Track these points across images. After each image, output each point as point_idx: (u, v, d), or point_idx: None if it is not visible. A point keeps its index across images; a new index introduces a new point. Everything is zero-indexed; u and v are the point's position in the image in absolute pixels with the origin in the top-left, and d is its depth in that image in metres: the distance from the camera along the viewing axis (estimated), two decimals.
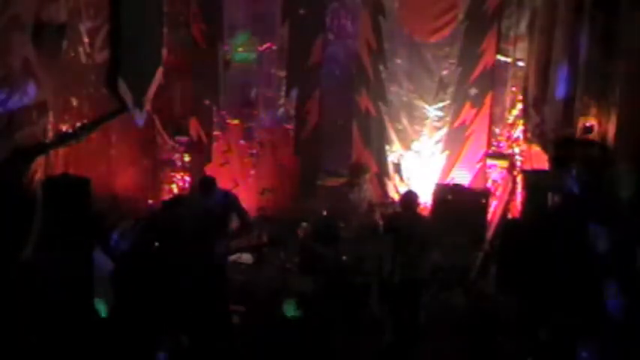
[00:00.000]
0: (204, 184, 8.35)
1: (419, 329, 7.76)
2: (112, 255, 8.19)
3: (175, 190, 11.24)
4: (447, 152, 11.33)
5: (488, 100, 11.23)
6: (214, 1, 11.14)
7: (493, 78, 11.21)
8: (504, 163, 11.23)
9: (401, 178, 11.41)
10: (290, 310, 7.91)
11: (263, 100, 11.37)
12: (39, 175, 8.26)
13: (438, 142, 11.36)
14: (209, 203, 8.09)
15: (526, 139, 11.00)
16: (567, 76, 10.17)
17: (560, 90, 10.28)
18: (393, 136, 11.42)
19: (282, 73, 11.36)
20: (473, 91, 11.23)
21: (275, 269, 9.62)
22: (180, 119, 11.29)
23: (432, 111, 11.34)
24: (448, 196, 10.55)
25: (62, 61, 8.84)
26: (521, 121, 11.14)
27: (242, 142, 11.39)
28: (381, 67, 11.32)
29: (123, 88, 9.69)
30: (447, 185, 10.94)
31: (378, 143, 11.45)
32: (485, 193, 10.76)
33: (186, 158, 11.32)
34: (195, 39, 11.13)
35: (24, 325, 6.55)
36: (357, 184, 10.72)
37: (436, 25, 11.21)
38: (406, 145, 11.41)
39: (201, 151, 11.32)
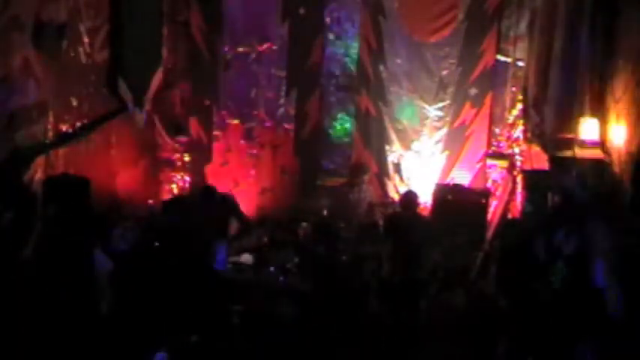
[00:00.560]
0: (206, 194, 8.36)
1: (419, 329, 7.75)
2: (112, 255, 8.18)
3: (175, 190, 11.24)
4: (447, 152, 11.33)
5: (488, 100, 11.22)
6: (214, 1, 11.13)
7: (493, 78, 11.20)
8: (504, 163, 11.23)
9: (401, 178, 11.41)
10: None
11: (263, 100, 11.37)
12: (39, 175, 8.27)
13: (438, 142, 11.36)
14: (208, 206, 8.10)
15: (526, 139, 10.99)
16: (567, 76, 10.17)
17: (560, 90, 10.29)
18: (393, 136, 11.41)
19: (282, 73, 11.35)
20: (473, 91, 11.23)
21: (275, 269, 9.60)
22: (180, 119, 11.29)
23: (432, 111, 11.34)
24: (448, 196, 10.55)
25: (62, 61, 8.85)
26: (521, 121, 11.14)
27: (242, 142, 11.39)
28: (381, 67, 11.32)
29: (123, 88, 9.70)
30: (447, 185, 10.94)
31: (378, 143, 11.44)
32: (486, 193, 10.76)
33: (186, 158, 11.32)
34: (195, 39, 11.13)
35: (24, 325, 6.54)
36: (357, 184, 10.72)
37: (436, 25, 11.21)
38: (406, 145, 11.41)
39: (201, 151, 11.32)
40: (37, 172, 8.39)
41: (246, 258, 10.08)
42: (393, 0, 11.24)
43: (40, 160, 8.52)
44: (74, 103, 9.30)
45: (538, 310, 7.18)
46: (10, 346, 6.39)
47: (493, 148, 11.35)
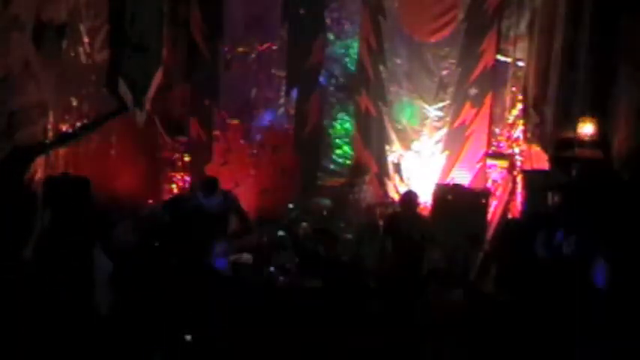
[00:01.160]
0: (207, 185, 8.35)
1: (418, 329, 7.75)
2: (112, 255, 8.18)
3: (175, 190, 11.23)
4: (447, 152, 11.32)
5: (488, 100, 11.21)
6: (214, 1, 11.13)
7: (493, 78, 11.19)
8: (504, 163, 11.22)
9: (401, 178, 11.40)
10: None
11: (263, 100, 11.37)
12: (39, 175, 8.27)
13: (438, 142, 11.35)
14: (209, 204, 8.09)
15: (526, 139, 10.99)
16: (567, 76, 10.18)
17: (560, 90, 10.30)
18: (393, 136, 11.41)
19: (282, 73, 11.35)
20: (473, 91, 11.22)
21: (275, 269, 9.60)
22: (180, 119, 11.29)
23: (432, 111, 11.34)
24: (448, 196, 10.54)
25: (62, 61, 8.86)
26: (521, 121, 11.13)
27: (242, 142, 11.39)
28: (381, 67, 11.32)
29: (123, 88, 9.70)
30: (447, 185, 10.93)
31: (378, 143, 11.44)
32: (486, 193, 10.76)
33: (186, 158, 11.31)
34: (195, 39, 11.13)
35: (24, 325, 6.54)
36: (357, 184, 10.72)
37: (436, 25, 11.21)
38: (406, 145, 11.40)
39: (201, 151, 11.31)
40: (37, 172, 8.40)
41: (246, 258, 10.08)
42: (393, 0, 11.24)
43: (40, 160, 8.52)
44: (74, 103, 9.30)
45: (538, 309, 7.18)
46: (10, 347, 6.39)
47: (493, 148, 11.34)
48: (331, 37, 11.46)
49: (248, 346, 7.22)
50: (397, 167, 11.43)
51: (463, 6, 11.13)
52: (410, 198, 9.41)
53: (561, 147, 9.92)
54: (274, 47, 11.31)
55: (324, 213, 10.94)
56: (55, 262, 6.88)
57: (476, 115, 11.25)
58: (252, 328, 7.49)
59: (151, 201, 10.82)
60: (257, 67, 11.33)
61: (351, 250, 9.51)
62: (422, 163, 11.38)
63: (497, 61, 11.17)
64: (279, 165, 11.42)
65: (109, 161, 10.03)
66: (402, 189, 10.84)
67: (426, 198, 10.61)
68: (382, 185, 11.40)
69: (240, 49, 11.29)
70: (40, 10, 8.26)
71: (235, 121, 11.37)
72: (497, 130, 11.33)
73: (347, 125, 11.56)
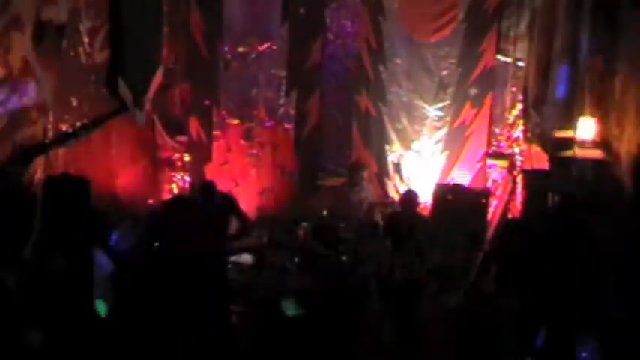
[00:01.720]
0: (205, 190, 8.35)
1: (418, 329, 7.75)
2: (112, 255, 8.18)
3: (175, 190, 11.24)
4: (447, 152, 11.32)
5: (488, 100, 11.22)
6: (214, 1, 11.13)
7: (493, 78, 11.19)
8: (504, 163, 11.22)
9: (401, 178, 11.40)
10: (290, 308, 7.91)
11: (263, 100, 11.37)
12: (39, 175, 8.27)
13: (438, 142, 11.35)
14: (208, 205, 8.09)
15: (526, 139, 10.99)
16: (567, 76, 10.17)
17: (560, 90, 10.29)
18: (393, 136, 11.41)
19: (282, 73, 11.35)
20: (473, 91, 11.22)
21: (275, 269, 9.59)
22: (180, 119, 11.29)
23: (432, 111, 11.34)
24: (448, 196, 10.54)
25: (62, 61, 8.86)
26: (521, 121, 11.13)
27: (242, 142, 11.39)
28: (381, 67, 11.32)
29: (123, 88, 9.70)
30: (447, 185, 10.92)
31: (378, 143, 11.44)
32: (486, 193, 10.75)
33: (186, 158, 11.31)
34: (195, 39, 11.13)
35: (24, 325, 6.54)
36: (357, 184, 10.71)
37: (436, 25, 11.21)
38: (406, 145, 11.40)
39: (201, 151, 11.32)
40: (37, 172, 8.40)
41: (246, 258, 10.08)
42: (393, 0, 11.24)
43: (40, 160, 8.52)
44: (74, 103, 9.30)
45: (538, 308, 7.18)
46: (9, 347, 6.39)
47: (493, 148, 11.34)
48: (331, 37, 11.46)
49: (248, 345, 7.23)
50: (397, 167, 11.44)
51: (463, 6, 11.13)
52: (410, 198, 9.39)
53: (561, 147, 9.91)
54: (274, 47, 11.31)
55: (324, 213, 10.93)
56: (55, 262, 6.88)
57: (476, 115, 11.25)
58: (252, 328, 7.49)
59: (151, 201, 10.83)
60: (257, 67, 11.33)
61: (351, 250, 9.50)
62: (422, 163, 11.38)
63: (498, 61, 11.17)
64: (279, 165, 11.42)
65: (109, 161, 10.03)
66: (402, 189, 10.84)
67: (426, 198, 10.61)
68: (382, 185, 11.41)
69: (240, 49, 11.29)
70: (40, 10, 8.26)
71: (235, 121, 11.37)
72: (497, 130, 11.33)
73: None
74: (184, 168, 11.31)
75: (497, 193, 11.07)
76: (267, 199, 11.20)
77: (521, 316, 7.29)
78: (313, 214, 10.79)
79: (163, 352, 6.77)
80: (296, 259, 9.79)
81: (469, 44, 11.14)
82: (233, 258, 9.53)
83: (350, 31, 11.47)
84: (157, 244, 8.28)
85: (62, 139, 8.93)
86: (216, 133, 11.35)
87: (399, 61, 11.32)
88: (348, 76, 11.54)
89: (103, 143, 9.82)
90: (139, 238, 8.55)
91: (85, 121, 9.39)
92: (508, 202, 10.78)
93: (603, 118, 9.62)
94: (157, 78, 10.61)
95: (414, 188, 10.22)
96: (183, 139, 11.28)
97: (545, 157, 10.18)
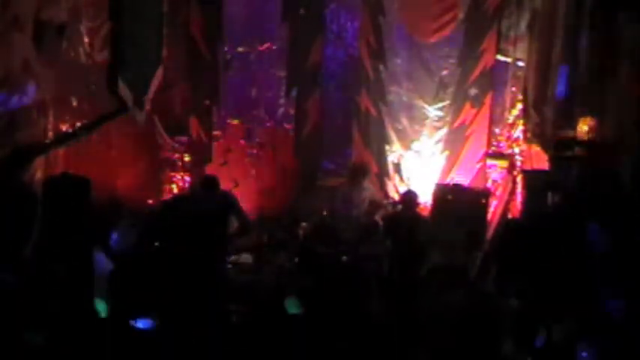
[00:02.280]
0: (207, 183, 8.35)
1: (418, 329, 7.75)
2: (112, 255, 8.18)
3: (175, 190, 11.24)
4: (447, 152, 11.33)
5: (488, 100, 11.22)
6: (214, 1, 11.13)
7: (493, 78, 11.20)
8: (504, 163, 11.23)
9: (401, 178, 11.41)
10: (292, 306, 7.91)
11: (263, 100, 11.37)
12: (39, 175, 8.27)
13: (438, 142, 11.36)
14: (209, 204, 8.09)
15: (526, 139, 11.00)
16: (567, 76, 10.18)
17: (560, 90, 10.30)
18: (393, 136, 11.41)
19: (282, 73, 11.36)
20: (473, 91, 11.22)
21: (275, 269, 9.59)
22: (180, 119, 11.30)
23: (432, 111, 11.34)
24: (448, 196, 10.54)
25: (62, 61, 8.86)
26: (521, 121, 11.14)
27: (242, 142, 11.40)
28: (381, 67, 11.32)
29: (123, 88, 9.70)
30: (447, 185, 10.93)
31: (378, 143, 11.44)
32: (486, 193, 10.76)
33: (186, 158, 11.32)
34: (195, 39, 11.13)
35: (24, 325, 6.55)
36: (357, 184, 10.72)
37: (436, 25, 11.21)
38: (406, 145, 11.41)
39: (201, 151, 11.32)
40: (37, 172, 8.39)
41: (246, 258, 10.08)
42: (393, 0, 11.24)
43: (40, 160, 8.52)
44: (74, 103, 9.30)
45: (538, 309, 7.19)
46: (9, 347, 6.39)
47: (493, 148, 11.35)
48: (331, 37, 11.47)
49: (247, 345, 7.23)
50: (397, 167, 11.44)
51: (463, 6, 11.13)
52: (410, 198, 9.41)
53: (561, 147, 9.91)
54: (274, 47, 11.31)
55: (324, 213, 10.94)
56: (55, 262, 6.88)
57: (476, 115, 11.25)
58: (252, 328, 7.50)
59: (150, 201, 10.83)
60: (257, 67, 11.34)
61: (351, 250, 9.50)
62: (422, 163, 11.39)
63: (497, 61, 11.18)
64: (279, 165, 11.43)
65: (109, 161, 10.03)
66: (402, 189, 10.84)
67: (426, 198, 10.62)
68: (382, 185, 11.41)
69: (240, 49, 11.29)
70: (40, 10, 8.25)
71: (235, 121, 11.38)
72: (497, 130, 11.34)
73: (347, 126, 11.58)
74: (184, 168, 11.32)
75: (497, 193, 11.08)
76: (267, 199, 11.20)
77: (521, 316, 7.29)
78: (313, 214, 10.81)
79: (163, 352, 6.77)
80: (296, 259, 9.80)
81: (469, 44, 11.14)
82: (233, 258, 9.54)
83: (350, 31, 11.48)
84: (157, 243, 8.28)
85: (62, 139, 8.92)
86: (216, 133, 11.36)
87: (399, 61, 11.33)
88: (348, 76, 11.55)
89: (103, 143, 9.82)
90: (139, 238, 8.55)
91: (85, 121, 9.38)
92: (508, 202, 10.78)
93: (603, 118, 9.62)
94: (157, 78, 10.62)
95: (414, 188, 10.23)
96: (183, 139, 11.28)
97: (545, 157, 10.18)
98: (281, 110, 11.43)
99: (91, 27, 9.36)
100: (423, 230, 8.94)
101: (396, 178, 11.43)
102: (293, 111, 11.44)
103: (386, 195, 11.36)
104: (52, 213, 7.22)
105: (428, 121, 11.37)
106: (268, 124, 11.41)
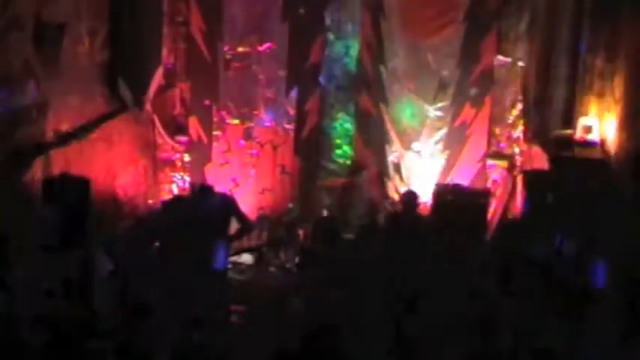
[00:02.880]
0: (202, 193, 8.37)
1: (418, 329, 7.75)
2: (112, 255, 8.19)
3: (175, 190, 11.24)
4: (447, 152, 11.32)
5: (488, 100, 11.21)
6: (214, 1, 11.13)
7: (493, 78, 11.19)
8: (504, 163, 11.22)
9: (401, 178, 11.40)
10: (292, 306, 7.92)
11: (263, 100, 11.37)
12: (39, 175, 8.27)
13: (438, 142, 11.35)
14: (207, 207, 8.09)
15: (526, 139, 10.99)
16: (567, 77, 10.19)
17: (560, 90, 10.31)
18: (393, 136, 11.41)
19: (282, 73, 11.35)
20: (473, 91, 11.21)
21: (275, 269, 9.61)
22: (181, 119, 11.29)
23: (432, 111, 11.33)
24: (448, 196, 10.55)
25: (62, 61, 8.86)
26: (521, 121, 11.14)
27: (242, 142, 11.39)
28: (381, 67, 11.32)
29: (123, 88, 9.71)
30: (447, 185, 10.93)
31: (378, 143, 11.43)
32: (486, 193, 10.75)
33: (186, 158, 11.31)
34: (195, 39, 11.13)
35: (23, 325, 6.55)
36: (357, 184, 10.73)
37: (436, 25, 11.19)
38: (406, 145, 11.40)
39: (201, 151, 11.32)
40: (37, 172, 8.40)
41: (246, 258, 10.09)
42: (393, 0, 11.23)
43: (40, 160, 8.52)
44: (74, 103, 9.30)
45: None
46: (9, 348, 6.39)
47: (493, 148, 11.34)
48: (331, 37, 11.46)
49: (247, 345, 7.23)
50: (397, 167, 11.43)
51: (463, 6, 11.12)
52: (410, 198, 9.40)
53: (561, 147, 9.92)
54: (274, 47, 11.30)
55: (324, 213, 10.95)
56: (55, 262, 6.88)
57: (476, 115, 11.23)
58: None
59: (150, 201, 10.83)
60: (257, 67, 11.33)
61: (351, 250, 9.50)
62: (422, 163, 11.38)
63: (498, 61, 11.17)
64: (279, 165, 11.42)
65: (109, 161, 10.03)
66: (402, 189, 10.84)
67: (426, 198, 10.61)
68: (382, 185, 11.40)
69: (240, 49, 11.28)
70: (40, 10, 8.26)
71: (235, 121, 11.37)
72: (497, 130, 11.33)
73: (347, 125, 11.57)
74: (184, 168, 11.31)
75: (497, 193, 11.07)
76: (267, 199, 11.20)
77: (521, 316, 7.30)
78: (313, 214, 10.80)
79: (163, 351, 6.77)
80: (296, 259, 9.81)
81: (469, 44, 11.13)
82: (233, 258, 9.53)
83: (350, 31, 11.47)
84: (156, 244, 8.28)
85: (62, 139, 8.93)
86: (216, 133, 11.35)
87: (399, 61, 11.31)
88: (348, 76, 11.54)
89: (103, 143, 9.81)
90: (139, 238, 8.55)
91: (85, 121, 9.38)
92: (508, 202, 10.78)
93: (603, 118, 9.63)
94: (157, 78, 10.62)
95: (414, 188, 10.22)
96: (183, 139, 11.28)
97: (545, 157, 10.18)
98: (281, 110, 11.42)
99: (91, 27, 9.36)
100: (423, 230, 8.91)
101: (396, 178, 11.42)
102: (293, 111, 11.43)
103: (386, 195, 11.35)
104: (51, 213, 7.23)
105: (428, 121, 11.36)
106: (268, 124, 11.40)
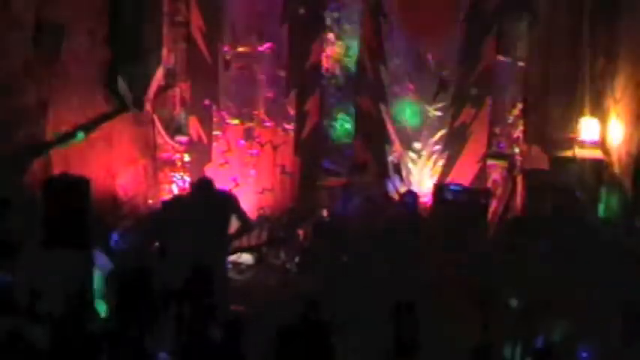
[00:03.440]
0: (202, 188, 8.35)
1: (419, 330, 7.75)
2: (112, 255, 8.19)
3: (175, 190, 11.24)
4: (447, 152, 11.31)
5: (488, 100, 11.21)
6: (214, 1, 11.13)
7: (493, 78, 11.19)
8: (504, 163, 11.22)
9: (401, 178, 11.40)
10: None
11: (263, 100, 11.36)
12: (39, 175, 8.28)
13: (438, 142, 11.34)
14: (208, 205, 8.09)
15: (526, 139, 10.99)
16: (567, 77, 10.20)
17: (560, 90, 10.32)
18: (393, 136, 11.40)
19: (282, 73, 11.34)
20: (473, 91, 11.21)
21: (275, 269, 9.61)
22: (180, 119, 11.30)
23: (432, 111, 11.33)
24: (448, 196, 10.55)
25: (62, 61, 8.87)
26: (521, 121, 11.14)
27: (242, 142, 11.39)
28: (381, 67, 11.31)
29: (123, 88, 9.71)
30: (447, 185, 10.93)
31: (378, 143, 11.43)
32: (486, 193, 10.75)
33: (186, 158, 11.31)
34: (195, 39, 11.13)
35: (23, 325, 6.55)
36: (356, 184, 10.72)
37: (436, 25, 11.19)
38: (406, 145, 11.39)
39: (201, 151, 11.32)
40: (37, 172, 8.41)
41: (246, 258, 10.09)
42: (393, 0, 11.23)
43: (40, 160, 8.53)
44: (74, 103, 9.30)
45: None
46: (9, 348, 6.39)
47: (493, 148, 11.34)
48: (331, 37, 11.46)
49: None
50: (397, 167, 11.43)
51: (463, 6, 11.12)
52: (410, 198, 9.40)
53: (561, 147, 9.93)
54: (274, 47, 11.30)
55: (324, 213, 10.95)
56: (55, 262, 6.88)
57: (476, 115, 11.23)
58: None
59: (150, 201, 10.83)
60: (257, 67, 11.32)
61: (351, 251, 9.51)
62: (422, 163, 11.38)
63: (498, 61, 11.17)
64: (279, 165, 11.42)
65: (109, 161, 10.03)
66: (402, 189, 10.84)
67: (426, 198, 10.61)
68: (382, 185, 11.40)
69: (240, 49, 11.28)
70: (40, 10, 8.26)
71: (235, 121, 11.37)
72: (497, 130, 11.33)
73: (347, 125, 11.57)
74: (184, 168, 11.31)
75: (497, 193, 11.07)
76: (267, 199, 11.20)
77: (521, 316, 7.31)
78: (313, 214, 10.80)
79: (163, 351, 6.77)
80: (296, 259, 9.81)
81: (469, 44, 11.13)
82: (233, 258, 9.54)
83: (350, 31, 11.47)
84: (157, 244, 8.29)
85: (62, 139, 8.93)
86: (216, 133, 11.35)
87: (399, 61, 11.31)
88: (348, 76, 11.54)
89: (103, 143, 9.82)
90: (139, 238, 8.56)
91: (85, 121, 9.38)
92: (508, 202, 10.78)
93: (603, 118, 9.64)
94: (157, 78, 10.61)
95: (414, 188, 10.22)
96: (183, 139, 11.28)
97: (545, 157, 10.20)
98: (281, 110, 11.41)
99: (91, 27, 9.36)
100: (423, 230, 8.93)
101: (396, 178, 11.42)
102: (293, 111, 11.42)
103: (386, 195, 11.35)
104: (52, 213, 7.23)
105: (428, 121, 11.36)
106: (268, 124, 11.40)
